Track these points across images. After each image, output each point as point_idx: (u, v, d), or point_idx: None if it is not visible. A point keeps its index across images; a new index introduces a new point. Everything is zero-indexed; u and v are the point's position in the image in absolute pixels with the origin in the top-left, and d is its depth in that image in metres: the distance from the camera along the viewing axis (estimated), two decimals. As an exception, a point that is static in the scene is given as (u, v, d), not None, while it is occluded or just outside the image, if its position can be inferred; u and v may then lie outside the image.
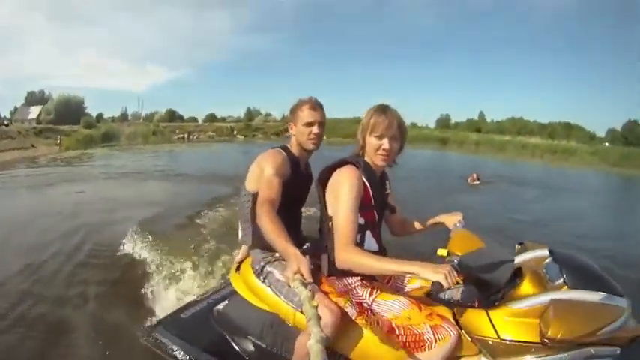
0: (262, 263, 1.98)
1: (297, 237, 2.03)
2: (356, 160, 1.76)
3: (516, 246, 2.02)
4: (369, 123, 1.75)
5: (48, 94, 59.78)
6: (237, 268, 2.17)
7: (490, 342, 1.56)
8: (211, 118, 64.01)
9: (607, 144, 42.16)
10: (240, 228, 2.14)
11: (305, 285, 1.26)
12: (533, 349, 1.50)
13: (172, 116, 64.10)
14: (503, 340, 1.54)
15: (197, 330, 2.16)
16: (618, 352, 1.50)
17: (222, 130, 46.24)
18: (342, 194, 1.65)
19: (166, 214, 6.47)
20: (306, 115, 2.00)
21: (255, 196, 1.92)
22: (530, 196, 11.90)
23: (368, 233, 1.75)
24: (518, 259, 1.83)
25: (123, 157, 20.68)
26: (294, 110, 2.05)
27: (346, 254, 1.56)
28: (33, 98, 58.82)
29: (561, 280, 1.62)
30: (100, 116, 60.30)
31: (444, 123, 62.39)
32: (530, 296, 1.58)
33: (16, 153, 24.18)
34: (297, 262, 1.34)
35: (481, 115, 63.98)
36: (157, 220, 5.92)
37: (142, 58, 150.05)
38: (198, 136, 42.85)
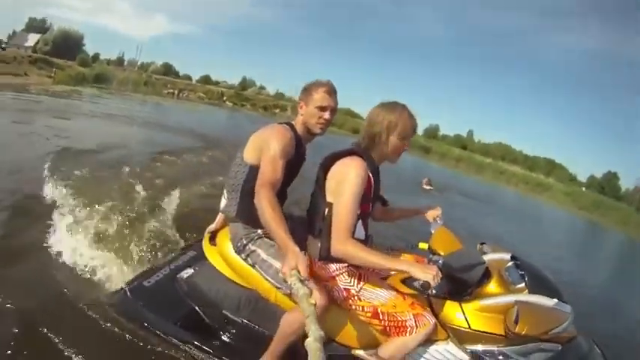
0: (245, 241, 1.93)
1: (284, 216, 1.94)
2: (363, 153, 1.77)
3: (478, 245, 2.25)
4: (399, 124, 1.76)
5: (49, 25, 59.29)
6: (211, 239, 2.15)
7: (461, 330, 1.77)
8: (205, 80, 64.00)
9: (584, 188, 42.98)
10: (224, 196, 2.05)
11: (302, 282, 1.26)
12: (496, 340, 1.74)
13: (168, 70, 64.74)
14: (472, 330, 1.75)
15: (163, 300, 2.05)
16: (560, 348, 1.74)
17: (212, 93, 46.99)
18: (347, 185, 1.66)
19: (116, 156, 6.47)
20: (320, 97, 1.94)
21: (252, 168, 1.88)
22: (482, 212, 12.61)
23: (359, 222, 1.75)
24: (486, 259, 1.99)
25: (111, 100, 21.67)
26: (308, 90, 1.98)
27: (345, 247, 1.60)
28: (33, 25, 58.12)
29: (523, 284, 1.86)
30: (96, 56, 59.87)
31: (431, 133, 63.02)
32: (497, 295, 1.82)
33: (8, 78, 24.03)
34: (295, 258, 1.35)
35: (469, 133, 65.24)
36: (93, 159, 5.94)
37: (149, 7, 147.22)
38: (187, 94, 43.59)
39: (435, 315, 1.80)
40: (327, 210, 1.73)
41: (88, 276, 2.65)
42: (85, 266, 2.72)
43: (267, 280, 1.86)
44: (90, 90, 26.45)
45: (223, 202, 2.05)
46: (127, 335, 1.99)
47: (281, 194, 1.88)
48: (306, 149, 2.10)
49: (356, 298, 1.74)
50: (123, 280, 2.36)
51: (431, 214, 2.22)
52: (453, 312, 1.80)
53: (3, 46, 40.04)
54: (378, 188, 1.87)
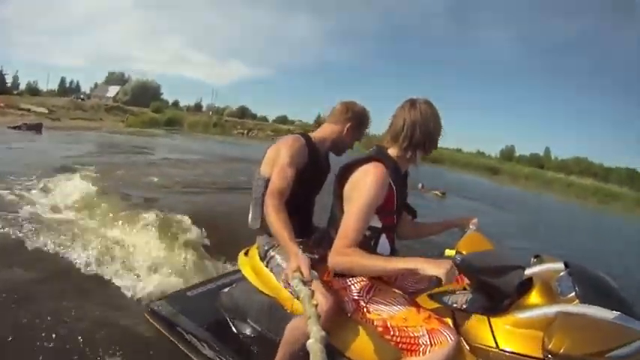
0: (266, 248, 1.95)
1: (308, 226, 2.05)
2: (385, 158, 1.60)
3: (532, 259, 1.88)
4: (423, 122, 1.59)
5: (127, 77, 65.08)
6: (247, 253, 2.17)
7: (488, 352, 1.45)
8: (282, 119, 65.99)
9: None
10: (250, 210, 2.09)
11: (304, 283, 1.27)
12: None
13: (244, 113, 66.10)
14: (502, 350, 1.43)
15: (199, 309, 2.21)
16: None
17: (279, 130, 47.76)
18: (361, 192, 1.52)
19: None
20: (362, 130, 2.04)
21: (268, 181, 1.87)
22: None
23: (383, 236, 1.64)
24: (531, 271, 1.70)
25: (177, 139, 22.90)
26: (359, 117, 2.01)
27: (339, 257, 1.47)
28: (113, 78, 63.98)
29: (573, 294, 1.50)
30: (176, 103, 64.63)
31: (507, 154, 62.33)
32: (536, 306, 1.48)
33: (84, 122, 26.43)
34: (298, 260, 1.36)
35: (547, 151, 64.14)
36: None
37: (223, 55, 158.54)
38: (257, 133, 44.85)
39: (460, 333, 1.49)
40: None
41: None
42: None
43: (284, 287, 1.83)
44: (159, 131, 27.55)
45: (250, 217, 2.07)
46: (161, 337, 2.17)
47: (308, 203, 2.07)
48: (328, 158, 2.10)
49: (365, 310, 1.56)
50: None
51: (465, 223, 1.92)
52: (479, 327, 1.48)
53: (82, 97, 44.20)
54: (403, 197, 1.69)
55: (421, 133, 1.57)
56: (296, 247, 1.44)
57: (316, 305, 1.17)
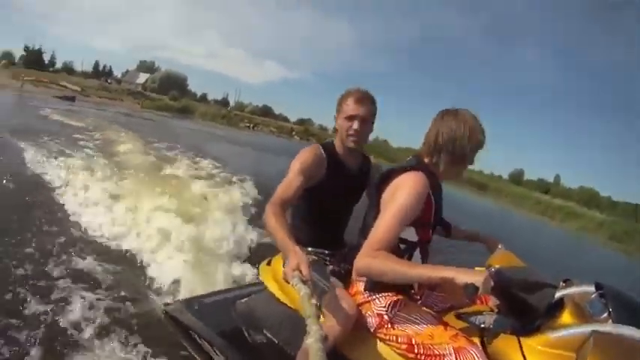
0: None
1: (337, 239, 1.96)
2: (424, 168, 1.54)
3: (561, 283, 1.74)
4: (464, 133, 1.50)
5: (157, 66, 70.46)
6: (269, 262, 2.10)
7: None
8: (302, 121, 66.60)
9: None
10: None
11: (304, 282, 1.22)
12: None
13: (266, 112, 68.04)
14: None
15: (215, 316, 2.16)
16: None
17: (283, 128, 50.89)
18: (397, 199, 1.45)
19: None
20: (348, 108, 1.80)
21: None
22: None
23: (417, 251, 1.57)
24: (561, 293, 1.59)
25: (183, 123, 27.77)
26: (339, 101, 1.86)
27: (367, 259, 1.37)
28: (144, 66, 69.35)
29: (606, 314, 1.40)
30: (204, 96, 67.89)
31: (516, 177, 61.84)
32: (569, 326, 1.36)
33: (107, 100, 33.71)
34: (297, 258, 1.29)
35: (557, 178, 62.93)
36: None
37: (259, 52, 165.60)
38: (261, 128, 47.93)
39: (488, 354, 1.42)
40: None
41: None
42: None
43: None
44: (168, 114, 32.90)
45: None
46: (176, 340, 2.26)
47: (332, 215, 1.93)
48: (366, 167, 1.97)
49: (389, 325, 1.50)
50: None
51: (492, 242, 1.90)
52: (509, 348, 1.41)
53: (110, 81, 50.55)
54: (440, 211, 1.64)
55: (451, 142, 1.51)
56: (293, 244, 1.38)
57: (316, 305, 1.15)
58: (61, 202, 4.59)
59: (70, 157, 6.39)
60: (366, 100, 1.82)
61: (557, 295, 1.52)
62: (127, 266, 3.40)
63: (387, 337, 1.49)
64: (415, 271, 1.32)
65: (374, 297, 1.52)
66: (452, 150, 1.52)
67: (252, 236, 4.36)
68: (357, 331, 1.52)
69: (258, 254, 3.57)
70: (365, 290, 1.54)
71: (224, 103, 66.48)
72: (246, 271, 3.57)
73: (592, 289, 1.58)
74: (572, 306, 1.45)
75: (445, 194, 1.65)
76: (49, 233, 3.70)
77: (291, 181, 1.70)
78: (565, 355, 1.28)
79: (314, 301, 1.15)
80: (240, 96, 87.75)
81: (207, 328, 2.07)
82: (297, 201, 1.76)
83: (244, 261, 3.84)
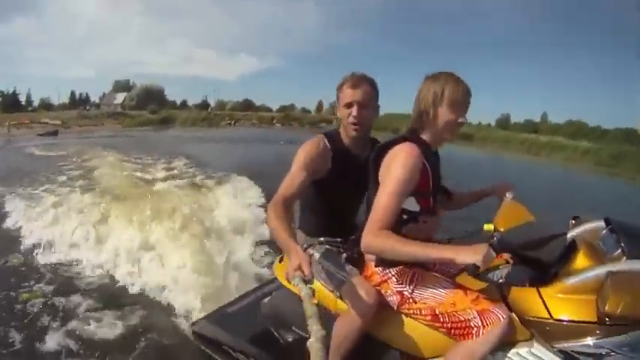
0: (305, 246, 1.82)
1: (347, 226, 1.86)
2: (415, 137, 1.53)
3: (571, 221, 1.78)
4: (445, 92, 1.48)
5: (132, 83, 70.42)
6: (281, 260, 2.06)
7: (543, 323, 1.35)
8: (283, 108, 67.03)
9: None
10: None
11: (306, 282, 1.23)
12: (590, 330, 1.27)
13: (248, 106, 67.99)
14: (557, 320, 1.33)
15: (242, 323, 2.15)
16: None
17: (263, 118, 52.24)
18: (392, 173, 1.44)
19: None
20: (345, 95, 1.74)
21: None
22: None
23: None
24: (572, 234, 1.64)
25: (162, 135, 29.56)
26: (337, 89, 1.79)
27: (372, 238, 1.39)
28: (119, 86, 69.20)
29: (619, 251, 1.41)
30: (184, 103, 68.19)
31: (503, 123, 61.00)
32: (584, 270, 1.37)
33: (88, 127, 35.35)
34: (298, 258, 1.28)
35: (544, 116, 62.07)
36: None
37: (230, 48, 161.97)
38: (243, 122, 49.13)
39: (511, 309, 1.41)
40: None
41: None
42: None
43: (324, 286, 1.70)
44: (146, 130, 33.47)
45: None
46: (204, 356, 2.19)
47: (341, 206, 1.87)
48: (364, 153, 1.79)
49: (411, 300, 1.49)
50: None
51: (501, 191, 1.81)
52: (530, 300, 1.38)
53: (88, 108, 52.67)
54: (438, 178, 1.60)
55: (443, 105, 1.48)
56: (295, 244, 1.36)
57: (317, 304, 1.16)
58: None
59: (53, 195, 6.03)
60: (362, 83, 1.74)
61: (569, 236, 1.59)
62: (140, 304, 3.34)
63: (412, 312, 1.50)
64: (415, 249, 1.34)
65: (389, 274, 1.52)
66: (437, 111, 1.49)
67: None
68: (382, 311, 1.53)
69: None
70: (376, 267, 1.55)
71: (205, 105, 67.09)
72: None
73: (602, 224, 1.61)
74: (586, 246, 1.46)
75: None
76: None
77: (293, 178, 1.64)
78: (585, 298, 1.30)
79: (315, 300, 1.17)
80: (219, 95, 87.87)
81: (237, 338, 2.07)
82: (306, 193, 1.71)
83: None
